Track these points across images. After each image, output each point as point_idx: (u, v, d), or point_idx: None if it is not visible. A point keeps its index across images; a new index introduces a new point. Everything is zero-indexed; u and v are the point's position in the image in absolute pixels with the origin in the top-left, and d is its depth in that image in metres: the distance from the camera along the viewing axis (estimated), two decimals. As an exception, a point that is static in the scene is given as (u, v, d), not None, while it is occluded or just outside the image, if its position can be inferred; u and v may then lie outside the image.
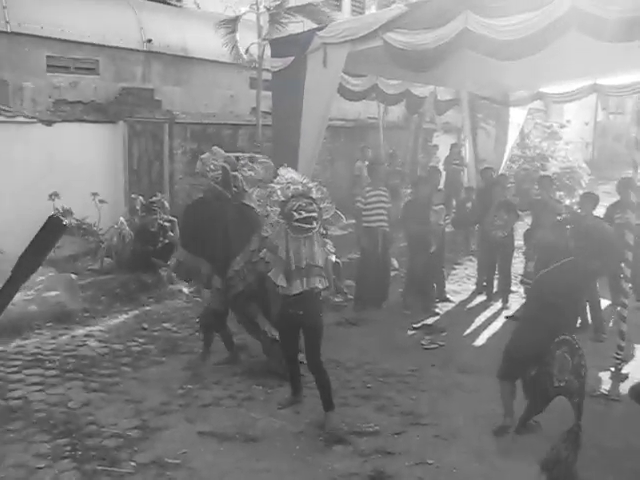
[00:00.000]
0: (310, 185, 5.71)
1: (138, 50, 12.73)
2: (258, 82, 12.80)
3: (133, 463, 5.09)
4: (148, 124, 12.06)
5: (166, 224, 10.33)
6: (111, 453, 5.22)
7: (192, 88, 13.76)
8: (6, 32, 10.57)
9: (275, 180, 5.87)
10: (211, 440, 5.49)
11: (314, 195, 5.66)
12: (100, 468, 5.00)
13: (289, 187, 5.64)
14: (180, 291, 9.80)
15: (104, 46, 12.12)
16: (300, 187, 5.65)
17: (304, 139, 8.76)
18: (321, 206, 5.68)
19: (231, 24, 12.32)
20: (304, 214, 5.52)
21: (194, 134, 12.82)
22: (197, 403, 6.18)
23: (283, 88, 9.12)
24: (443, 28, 6.96)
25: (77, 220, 10.30)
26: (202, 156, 7.01)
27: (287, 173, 5.85)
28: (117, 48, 12.35)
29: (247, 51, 12.69)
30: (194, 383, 6.63)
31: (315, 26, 10.24)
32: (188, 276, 7.43)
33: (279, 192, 5.66)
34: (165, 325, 8.53)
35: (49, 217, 1.14)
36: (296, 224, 5.54)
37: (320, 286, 5.71)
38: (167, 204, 10.94)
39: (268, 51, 10.07)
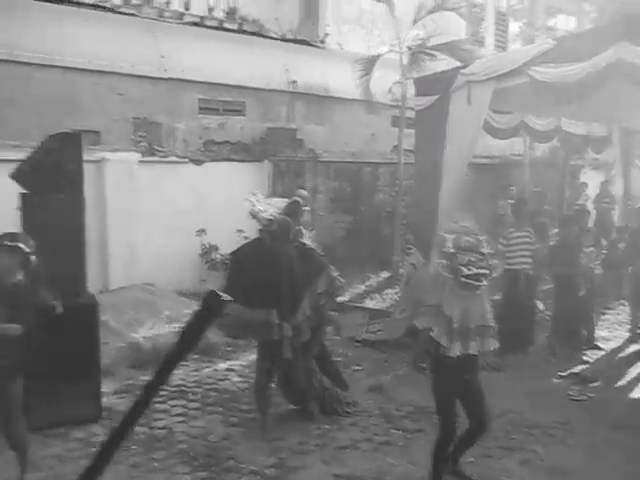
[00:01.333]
0: (481, 238, 5.41)
1: (283, 91, 13.12)
2: (401, 120, 12.81)
3: (270, 502, 5.11)
4: (292, 163, 12.35)
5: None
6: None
7: (334, 127, 14.00)
8: (163, 78, 11.23)
9: (446, 228, 5.57)
10: (347, 484, 5.41)
11: (485, 250, 5.28)
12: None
13: (461, 238, 5.31)
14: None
15: (251, 88, 12.59)
16: (472, 240, 5.30)
17: (446, 177, 8.64)
18: (490, 263, 5.27)
19: (367, 64, 12.46)
20: (474, 270, 5.04)
21: (336, 172, 12.99)
22: (333, 444, 6.12)
23: (426, 126, 9.08)
24: (595, 58, 6.66)
25: (222, 256, 10.64)
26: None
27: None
28: (263, 90, 12.79)
29: (390, 90, 12.76)
30: (331, 424, 6.58)
31: (458, 64, 10.14)
32: (244, 332, 6.82)
33: (450, 242, 5.38)
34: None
35: (208, 293, 1.12)
36: (464, 280, 5.06)
37: (491, 348, 5.30)
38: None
39: (411, 89, 10.07)
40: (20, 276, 5.11)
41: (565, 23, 21.46)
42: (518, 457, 5.93)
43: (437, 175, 8.74)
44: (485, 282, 5.15)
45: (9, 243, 5.05)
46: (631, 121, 11.26)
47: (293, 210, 6.67)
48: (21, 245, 5.08)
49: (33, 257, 5.13)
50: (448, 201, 8.62)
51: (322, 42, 15.09)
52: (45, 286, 5.37)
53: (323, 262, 6.47)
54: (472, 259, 5.08)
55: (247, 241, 6.82)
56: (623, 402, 7.42)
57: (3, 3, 10.06)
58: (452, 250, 5.24)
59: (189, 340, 1.20)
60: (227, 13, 14.25)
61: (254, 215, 6.45)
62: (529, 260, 8.87)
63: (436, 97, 8.77)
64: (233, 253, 6.78)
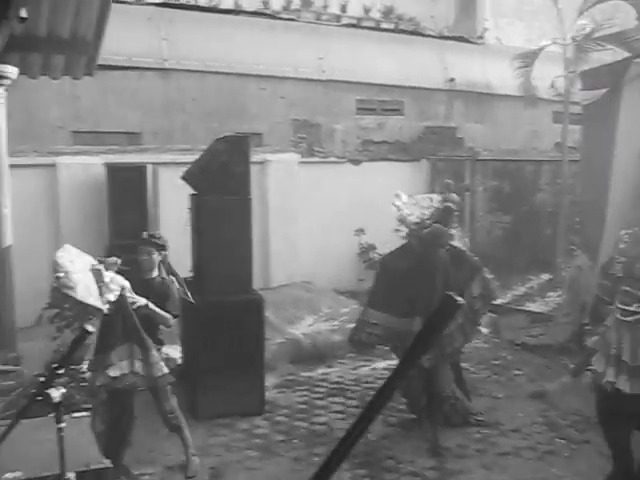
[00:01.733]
0: None
1: (441, 89, 12.96)
2: (564, 116, 12.26)
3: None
4: (450, 162, 12.18)
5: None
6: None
7: (493, 125, 13.65)
8: (322, 80, 11.44)
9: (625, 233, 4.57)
10: (509, 492, 5.26)
11: None
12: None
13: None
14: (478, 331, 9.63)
15: (409, 87, 12.54)
16: None
17: (616, 177, 8.14)
18: None
19: (527, 58, 12.01)
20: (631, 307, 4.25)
21: (495, 171, 12.66)
22: (494, 450, 5.96)
23: (595, 121, 8.61)
24: None
25: (379, 255, 10.68)
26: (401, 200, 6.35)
27: None
28: (421, 88, 12.70)
29: (552, 85, 12.26)
30: (492, 428, 6.41)
31: (627, 54, 9.54)
32: (390, 341, 6.40)
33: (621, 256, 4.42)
34: (462, 365, 8.42)
35: (445, 296, 1.10)
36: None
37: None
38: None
39: (575, 84, 9.62)
40: (162, 271, 5.52)
41: None
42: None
43: (606, 173, 8.25)
44: None
45: (156, 241, 5.45)
46: None
47: (445, 216, 6.37)
48: (163, 242, 5.49)
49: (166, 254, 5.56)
50: (618, 203, 8.12)
51: (480, 37, 14.78)
52: (180, 280, 5.69)
53: (476, 264, 6.19)
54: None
55: (396, 247, 6.51)
56: None
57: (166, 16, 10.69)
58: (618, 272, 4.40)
59: (423, 343, 1.19)
60: (383, 13, 14.32)
61: (402, 220, 6.28)
62: None
63: (605, 90, 8.29)
64: (382, 259, 6.74)
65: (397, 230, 8.30)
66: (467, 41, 14.29)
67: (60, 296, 7.32)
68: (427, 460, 5.75)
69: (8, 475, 2.59)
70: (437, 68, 13.04)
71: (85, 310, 5.09)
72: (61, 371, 2.21)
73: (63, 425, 2.28)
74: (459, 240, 6.36)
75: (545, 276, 12.31)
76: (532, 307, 10.77)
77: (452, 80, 12.97)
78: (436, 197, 6.70)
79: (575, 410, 6.79)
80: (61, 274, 4.54)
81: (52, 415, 2.65)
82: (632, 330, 4.28)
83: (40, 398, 2.21)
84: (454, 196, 7.62)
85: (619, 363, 4.32)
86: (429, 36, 13.72)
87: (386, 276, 6.28)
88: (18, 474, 2.62)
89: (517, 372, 8.11)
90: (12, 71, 6.19)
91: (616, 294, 4.38)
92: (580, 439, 6.19)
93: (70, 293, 4.57)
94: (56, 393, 2.21)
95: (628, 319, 4.28)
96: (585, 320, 6.77)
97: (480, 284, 6.08)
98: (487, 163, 12.57)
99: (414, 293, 5.88)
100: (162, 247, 5.48)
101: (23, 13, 4.31)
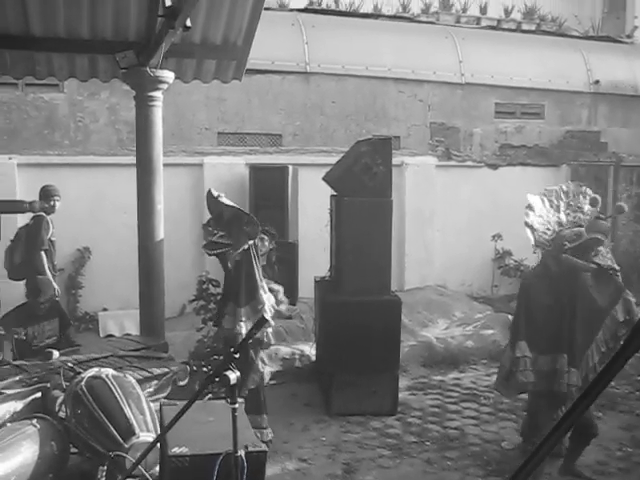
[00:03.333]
0: None
1: (584, 92, 12.50)
2: None
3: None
4: (592, 167, 11.74)
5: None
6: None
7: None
8: (461, 83, 11.35)
9: None
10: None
11: None
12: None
13: None
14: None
15: (550, 90, 12.18)
16: None
17: None
18: None
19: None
20: None
21: (640, 177, 12.10)
22: (639, 470, 5.71)
23: None
24: None
25: (515, 262, 10.49)
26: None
27: None
28: (563, 91, 12.31)
29: None
30: (635, 447, 6.14)
31: None
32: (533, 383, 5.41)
33: None
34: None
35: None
36: None
37: None
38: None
39: None
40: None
41: None
42: None
43: None
44: None
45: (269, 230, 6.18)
46: None
47: (590, 245, 5.44)
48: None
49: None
50: None
51: (629, 37, 14.11)
52: None
53: (621, 285, 5.42)
54: None
55: (536, 266, 5.88)
56: None
57: (308, 20, 10.94)
58: None
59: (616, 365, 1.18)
60: (525, 14, 13.98)
61: (537, 244, 5.54)
62: None
63: None
64: (523, 279, 6.07)
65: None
66: (614, 40, 13.68)
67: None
68: (563, 477, 5.59)
69: (176, 449, 2.79)
70: (580, 70, 12.58)
71: None
72: (237, 355, 2.37)
73: (237, 406, 2.44)
74: (604, 256, 5.43)
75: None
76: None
77: (597, 82, 12.47)
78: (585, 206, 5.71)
79: None
80: None
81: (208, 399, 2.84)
82: None
83: (217, 380, 2.38)
84: (604, 225, 6.78)
85: None
86: (572, 37, 13.26)
87: (525, 300, 5.54)
88: (184, 450, 2.82)
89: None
90: (169, 76, 6.58)
91: None
92: None
93: None
94: (233, 375, 2.37)
95: None
96: None
97: (623, 307, 5.38)
98: (632, 169, 12.01)
99: (552, 325, 5.23)
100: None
101: (188, 22, 4.59)
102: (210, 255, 6.00)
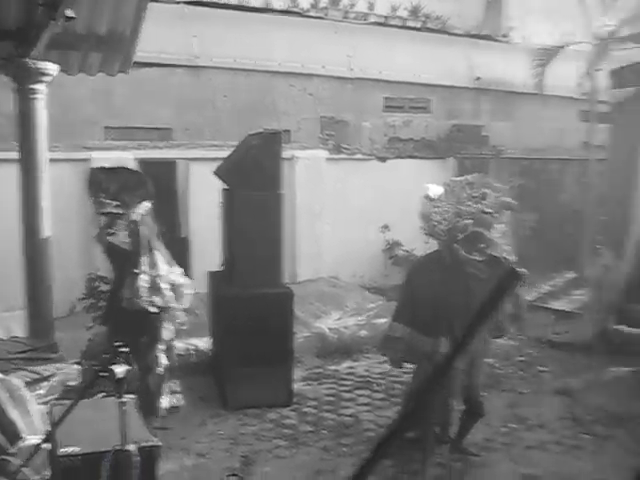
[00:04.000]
0: None
1: (468, 88, 13.00)
2: (591, 115, 12.27)
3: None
4: (476, 160, 12.23)
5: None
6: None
7: (519, 123, 13.65)
8: (350, 78, 11.54)
9: None
10: (537, 484, 5.35)
11: None
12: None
13: None
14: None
15: (436, 85, 12.59)
16: None
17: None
18: None
19: (546, 55, 12.04)
20: None
21: (521, 169, 12.69)
22: (521, 444, 6.05)
23: (623, 120, 8.66)
24: None
25: (405, 252, 10.79)
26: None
27: None
28: (448, 87, 12.75)
29: (579, 83, 12.26)
30: (517, 423, 6.50)
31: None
32: (411, 360, 5.69)
33: None
34: (486, 360, 8.50)
35: (509, 269, 1.14)
36: None
37: None
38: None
39: (602, 82, 9.63)
40: None
41: None
42: None
43: (633, 172, 8.31)
44: None
45: None
46: None
47: (484, 223, 5.55)
48: None
49: None
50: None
51: (505, 36, 14.75)
52: None
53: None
54: None
55: (427, 254, 5.91)
56: None
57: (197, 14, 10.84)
58: None
59: (485, 314, 1.26)
60: (410, 11, 14.35)
61: (431, 234, 5.60)
62: None
63: (635, 89, 8.34)
64: (410, 268, 6.13)
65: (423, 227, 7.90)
66: (493, 39, 14.29)
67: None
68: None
69: (66, 449, 2.74)
70: (464, 66, 13.07)
71: None
72: (124, 349, 2.35)
73: (125, 400, 2.42)
74: (499, 247, 5.45)
75: (570, 274, 12.33)
76: (557, 305, 10.81)
77: (478, 79, 13.00)
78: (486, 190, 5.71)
79: (599, 406, 6.86)
80: None
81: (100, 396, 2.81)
82: None
83: (104, 374, 2.36)
84: (487, 219, 6.78)
85: None
86: (456, 35, 13.73)
87: (410, 287, 5.68)
88: (75, 449, 2.77)
89: (542, 369, 8.19)
90: (53, 68, 6.38)
91: None
92: (605, 435, 6.26)
93: None
94: (119, 369, 2.35)
95: None
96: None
97: (512, 301, 5.57)
98: (513, 161, 12.61)
99: (437, 310, 5.30)
100: None
101: (70, 13, 4.47)
102: (109, 236, 5.82)
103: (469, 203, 5.34)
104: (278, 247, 6.85)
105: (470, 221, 5.34)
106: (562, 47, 12.13)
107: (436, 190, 5.61)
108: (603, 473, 5.49)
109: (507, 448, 5.97)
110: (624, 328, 8.45)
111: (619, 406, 6.76)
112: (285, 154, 9.62)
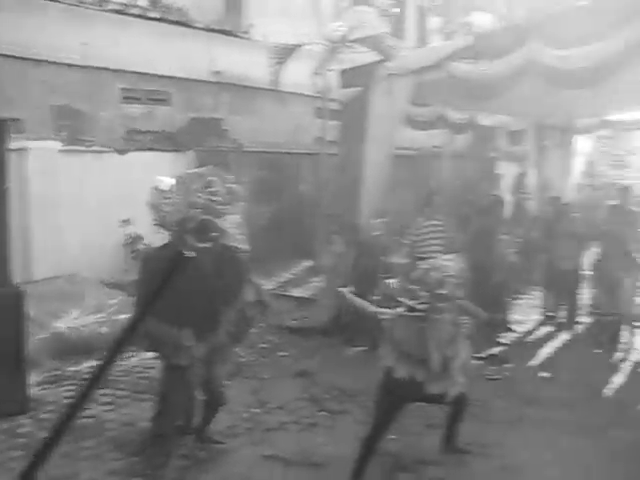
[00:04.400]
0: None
1: (208, 81, 13.10)
2: (323, 111, 13.02)
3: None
4: (216, 153, 12.38)
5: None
6: (179, 473, 5.38)
7: (258, 118, 14.06)
8: (85, 66, 11.05)
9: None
10: (276, 464, 5.59)
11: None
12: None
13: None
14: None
15: (176, 78, 12.52)
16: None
17: (368, 168, 8.89)
18: None
19: (282, 53, 12.61)
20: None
21: (261, 163, 13.10)
22: (262, 427, 6.29)
23: (349, 118, 9.32)
24: (508, 57, 7.02)
25: (146, 246, 10.60)
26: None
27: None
28: (188, 80, 12.74)
29: (313, 81, 12.93)
30: (259, 407, 6.74)
31: (380, 57, 10.39)
32: (156, 348, 5.58)
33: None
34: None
35: (176, 252, 1.15)
36: None
37: None
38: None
39: (334, 81, 10.27)
40: None
41: (482, 20, 22.02)
42: (440, 433, 6.11)
43: (359, 167, 8.97)
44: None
45: None
46: (543, 115, 11.81)
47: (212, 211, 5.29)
48: None
49: None
50: (371, 191, 8.86)
51: (246, 33, 15.08)
52: None
53: (246, 265, 5.59)
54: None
55: (161, 244, 5.65)
56: (534, 380, 7.84)
57: None
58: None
59: (156, 295, 1.31)
60: (150, 1, 14.08)
61: (162, 225, 5.41)
62: (439, 249, 8.70)
63: (359, 89, 9.01)
64: (143, 258, 5.98)
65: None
66: (233, 35, 14.53)
67: None
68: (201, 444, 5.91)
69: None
70: (204, 60, 13.14)
71: None
72: None
73: None
74: (233, 237, 5.35)
75: (307, 263, 13.02)
76: (296, 292, 11.37)
77: (218, 73, 13.16)
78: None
79: (334, 385, 7.36)
80: None
81: None
82: (416, 324, 4.93)
83: None
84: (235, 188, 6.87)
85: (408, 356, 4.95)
86: (196, 28, 13.75)
87: (146, 277, 5.49)
88: None
89: (283, 353, 8.58)
90: None
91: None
92: (340, 410, 6.73)
93: None
94: None
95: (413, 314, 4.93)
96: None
97: (253, 289, 5.68)
98: (253, 155, 12.96)
99: (179, 301, 5.04)
100: None
101: None
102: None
103: (199, 194, 5.33)
104: (3, 245, 6.37)
105: (199, 210, 5.18)
106: (298, 46, 12.69)
107: (167, 182, 5.49)
108: (338, 445, 5.90)
109: (249, 432, 6.17)
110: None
111: (352, 383, 7.29)
112: (16, 145, 9.00)
